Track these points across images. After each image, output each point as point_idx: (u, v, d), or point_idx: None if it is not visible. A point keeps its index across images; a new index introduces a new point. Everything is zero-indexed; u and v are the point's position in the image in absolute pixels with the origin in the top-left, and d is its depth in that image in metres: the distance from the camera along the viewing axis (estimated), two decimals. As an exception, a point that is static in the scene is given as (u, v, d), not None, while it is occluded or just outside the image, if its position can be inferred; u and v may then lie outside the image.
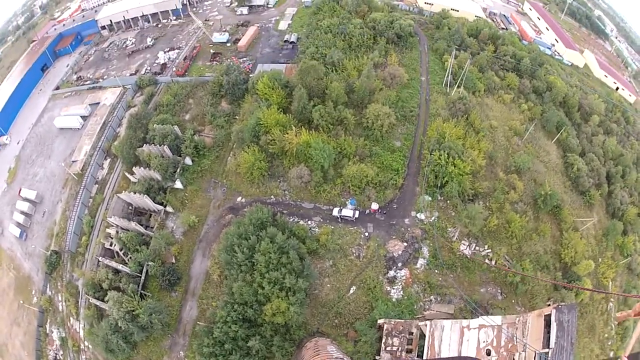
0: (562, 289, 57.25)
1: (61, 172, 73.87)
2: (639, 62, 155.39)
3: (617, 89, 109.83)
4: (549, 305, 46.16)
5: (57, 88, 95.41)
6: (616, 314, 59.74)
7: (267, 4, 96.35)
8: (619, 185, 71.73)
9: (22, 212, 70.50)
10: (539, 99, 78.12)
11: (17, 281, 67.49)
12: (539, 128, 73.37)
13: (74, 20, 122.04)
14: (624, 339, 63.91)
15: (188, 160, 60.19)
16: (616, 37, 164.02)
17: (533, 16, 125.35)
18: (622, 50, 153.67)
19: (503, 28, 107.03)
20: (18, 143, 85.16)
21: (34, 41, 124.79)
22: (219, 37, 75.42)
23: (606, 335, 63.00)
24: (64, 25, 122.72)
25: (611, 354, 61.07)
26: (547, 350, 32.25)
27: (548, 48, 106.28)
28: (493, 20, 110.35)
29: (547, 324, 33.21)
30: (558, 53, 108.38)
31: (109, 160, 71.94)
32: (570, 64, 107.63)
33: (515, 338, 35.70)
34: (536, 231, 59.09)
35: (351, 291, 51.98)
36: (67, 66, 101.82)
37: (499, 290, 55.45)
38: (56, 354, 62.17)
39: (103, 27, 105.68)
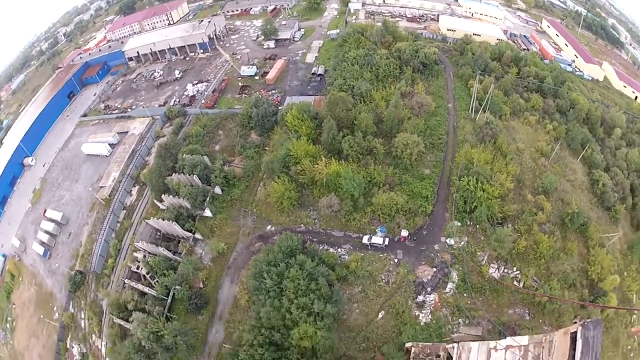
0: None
1: (88, 197, 76.16)
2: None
3: (636, 97, 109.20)
4: (575, 322, 45.77)
5: (85, 115, 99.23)
6: (631, 329, 58.66)
7: (294, 37, 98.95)
8: (643, 197, 70.28)
9: (47, 232, 72.56)
10: (563, 118, 78.02)
11: (39, 296, 69.17)
12: (564, 147, 73.17)
13: (100, 50, 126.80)
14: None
15: (218, 190, 61.28)
16: (630, 44, 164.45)
17: (552, 33, 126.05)
18: (637, 56, 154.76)
19: (524, 49, 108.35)
20: (44, 165, 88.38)
21: (59, 67, 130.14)
22: (247, 70, 76.84)
23: (629, 347, 61.42)
24: (89, 54, 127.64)
25: None
26: None
27: (569, 65, 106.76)
28: (514, 42, 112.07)
29: (573, 342, 32.96)
30: (578, 69, 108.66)
31: (137, 187, 73.60)
32: (590, 78, 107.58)
33: (541, 357, 35.35)
34: (564, 250, 58.41)
35: (379, 316, 51.66)
36: (95, 95, 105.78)
37: (527, 311, 54.93)
38: (76, 368, 62.76)
39: (130, 59, 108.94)
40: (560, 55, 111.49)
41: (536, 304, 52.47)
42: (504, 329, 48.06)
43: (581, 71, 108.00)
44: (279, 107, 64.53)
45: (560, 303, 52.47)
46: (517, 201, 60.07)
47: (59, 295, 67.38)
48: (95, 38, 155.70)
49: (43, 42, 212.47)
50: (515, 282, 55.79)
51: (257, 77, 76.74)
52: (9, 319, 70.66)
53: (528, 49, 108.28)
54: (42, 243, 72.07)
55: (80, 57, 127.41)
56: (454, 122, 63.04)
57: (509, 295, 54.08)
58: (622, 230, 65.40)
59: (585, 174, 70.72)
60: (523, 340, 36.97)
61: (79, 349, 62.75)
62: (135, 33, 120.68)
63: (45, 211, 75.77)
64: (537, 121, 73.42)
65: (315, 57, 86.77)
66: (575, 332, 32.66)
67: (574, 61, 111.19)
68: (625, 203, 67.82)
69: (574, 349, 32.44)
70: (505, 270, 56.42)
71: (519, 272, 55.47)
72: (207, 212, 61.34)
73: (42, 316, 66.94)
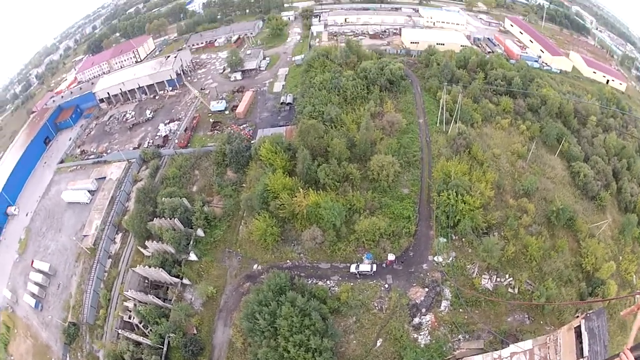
0: (587, 297, 55.97)
1: (73, 246, 74.78)
2: (622, 45, 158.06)
3: (607, 81, 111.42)
4: (578, 316, 45.71)
5: (62, 161, 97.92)
6: (621, 312, 61.97)
7: (260, 67, 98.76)
8: (627, 179, 72.11)
9: (36, 283, 71.30)
10: (536, 116, 79.15)
11: (35, 349, 67.34)
12: (540, 145, 74.00)
13: (71, 93, 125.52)
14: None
15: (200, 232, 60.58)
16: (597, 29, 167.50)
17: (515, 32, 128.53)
18: (605, 39, 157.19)
19: (489, 52, 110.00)
20: (27, 215, 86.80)
21: (33, 112, 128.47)
22: (216, 105, 76.62)
23: (636, 326, 62.30)
24: (62, 97, 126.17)
25: None
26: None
27: (535, 61, 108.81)
28: (479, 46, 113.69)
29: (579, 336, 32.43)
30: (546, 63, 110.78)
31: (120, 234, 72.65)
32: (559, 71, 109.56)
33: (548, 357, 34.79)
34: (554, 248, 58.66)
35: (378, 344, 51.17)
36: (70, 140, 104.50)
37: (526, 315, 54.89)
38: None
39: (101, 100, 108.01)
40: (526, 53, 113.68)
41: (534, 307, 52.44)
42: (506, 338, 47.83)
43: (549, 65, 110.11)
44: (252, 142, 64.45)
45: (559, 301, 52.60)
46: (500, 208, 60.45)
47: (55, 348, 65.70)
48: (66, 79, 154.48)
49: (16, 84, 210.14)
50: (509, 290, 55.78)
51: (227, 112, 76.65)
52: (9, 372, 68.42)
53: (493, 52, 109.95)
54: (32, 295, 70.69)
55: (53, 101, 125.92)
56: (426, 137, 63.46)
57: (506, 303, 54.13)
58: (610, 216, 66.16)
59: (564, 168, 71.65)
60: (527, 344, 36.51)
61: (82, 404, 60.98)
62: (104, 73, 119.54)
63: (32, 262, 74.38)
64: (509, 124, 74.29)
65: (283, 85, 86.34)
66: (579, 326, 32.21)
67: (540, 56, 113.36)
68: (610, 189, 68.85)
69: (581, 343, 31.92)
70: (498, 279, 56.44)
71: (511, 278, 55.58)
72: (192, 256, 60.58)
73: (40, 369, 64.84)
